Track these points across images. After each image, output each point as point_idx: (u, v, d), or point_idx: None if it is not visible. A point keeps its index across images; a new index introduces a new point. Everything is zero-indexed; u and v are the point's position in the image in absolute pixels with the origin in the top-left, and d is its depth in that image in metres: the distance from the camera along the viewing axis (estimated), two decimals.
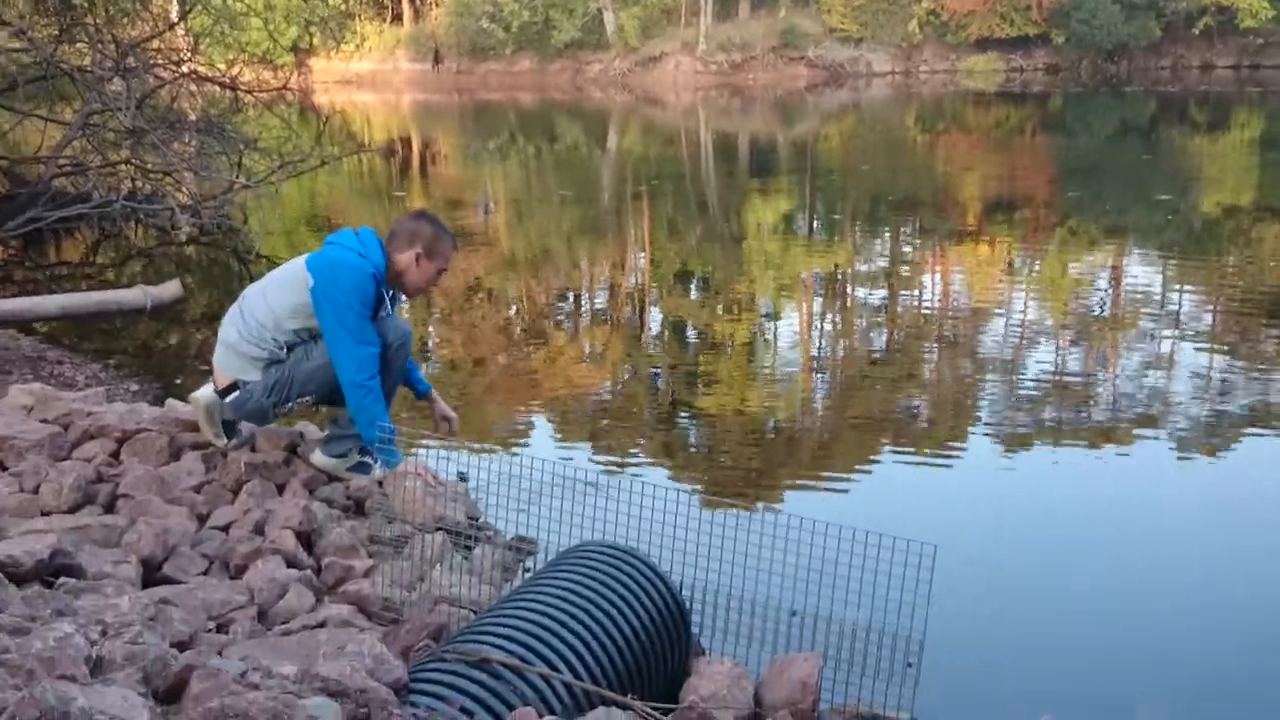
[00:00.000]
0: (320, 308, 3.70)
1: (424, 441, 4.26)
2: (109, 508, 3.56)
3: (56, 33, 9.33)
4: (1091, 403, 5.51)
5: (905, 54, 41.51)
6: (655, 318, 7.69)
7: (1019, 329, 7.00)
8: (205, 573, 3.23)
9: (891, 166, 16.79)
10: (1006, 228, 10.79)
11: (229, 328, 3.85)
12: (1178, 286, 8.09)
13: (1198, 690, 3.08)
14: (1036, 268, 8.96)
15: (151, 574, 3.13)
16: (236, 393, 3.84)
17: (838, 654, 2.83)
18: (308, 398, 3.86)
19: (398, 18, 47.74)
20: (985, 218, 11.45)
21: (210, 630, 2.76)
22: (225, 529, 3.50)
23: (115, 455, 3.92)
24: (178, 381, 5.66)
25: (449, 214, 12.84)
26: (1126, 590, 3.62)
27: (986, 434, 5.12)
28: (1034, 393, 5.68)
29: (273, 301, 3.78)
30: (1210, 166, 15.61)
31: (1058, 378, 5.95)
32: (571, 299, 8.31)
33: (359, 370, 3.71)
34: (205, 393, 3.92)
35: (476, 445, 4.90)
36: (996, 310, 7.48)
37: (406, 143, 22.93)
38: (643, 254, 10.07)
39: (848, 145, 20.49)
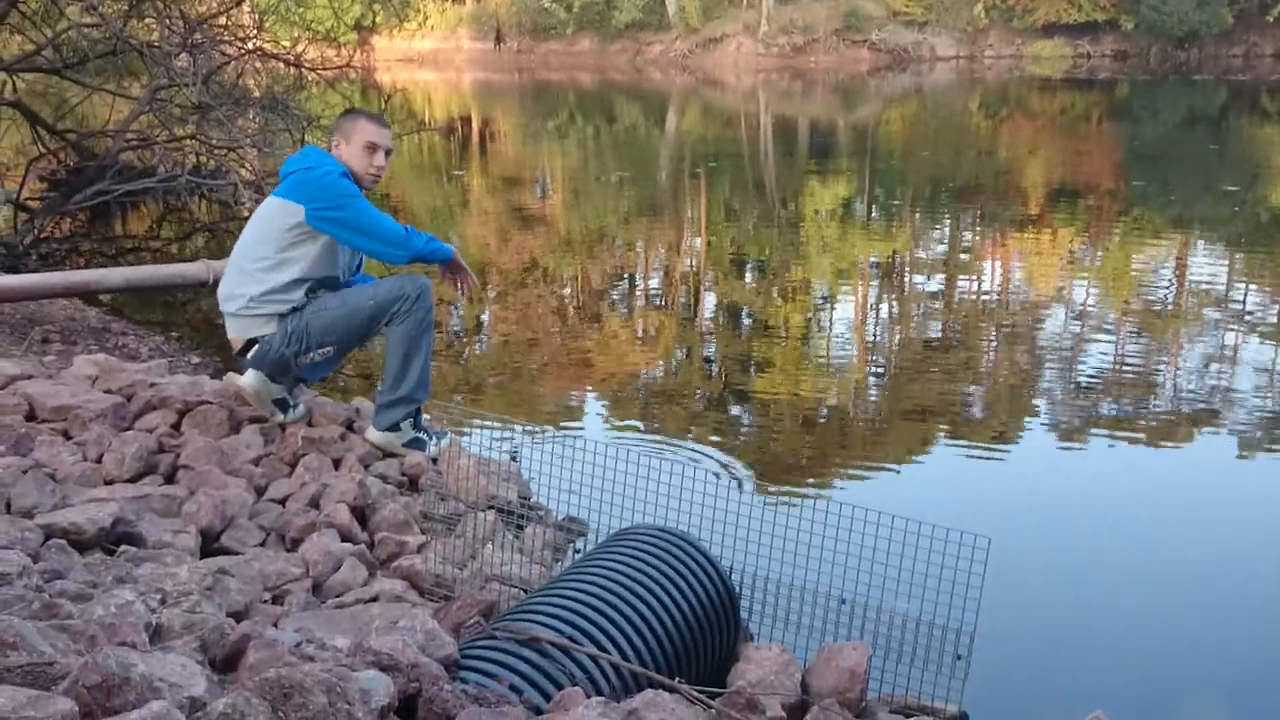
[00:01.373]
0: (328, 224, 3.76)
1: (476, 421, 4.30)
2: (169, 478, 3.63)
3: (126, 8, 9.46)
4: (1151, 396, 5.43)
5: (970, 38, 41.00)
6: (710, 301, 7.68)
7: (1078, 320, 6.91)
8: (262, 544, 3.28)
9: (953, 152, 16.60)
10: (1069, 216, 10.64)
11: (228, 301, 3.91)
12: (1243, 279, 7.94)
13: (1252, 689, 3.04)
14: (1098, 258, 8.83)
15: (210, 544, 3.19)
16: (255, 348, 3.89)
17: (887, 644, 2.82)
18: (329, 348, 3.89)
19: None
20: (1047, 206, 11.29)
21: (266, 601, 2.81)
22: (282, 502, 3.55)
23: (176, 426, 3.99)
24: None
25: (507, 193, 12.91)
26: (1182, 586, 3.57)
27: (1043, 425, 5.06)
28: (1092, 385, 5.61)
29: (261, 252, 3.83)
30: None
31: (1117, 370, 5.86)
32: (626, 280, 8.32)
33: (399, 241, 3.81)
34: (245, 378, 3.97)
35: (529, 426, 4.92)
36: (1056, 300, 7.38)
37: (466, 121, 23.03)
38: (698, 236, 10.05)
39: (909, 130, 20.28)
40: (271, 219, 3.83)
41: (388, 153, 3.98)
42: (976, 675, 2.67)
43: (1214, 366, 5.90)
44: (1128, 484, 4.45)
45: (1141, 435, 4.91)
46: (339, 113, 4.10)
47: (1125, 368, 5.92)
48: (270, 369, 3.90)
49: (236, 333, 3.93)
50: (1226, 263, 8.56)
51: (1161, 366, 5.95)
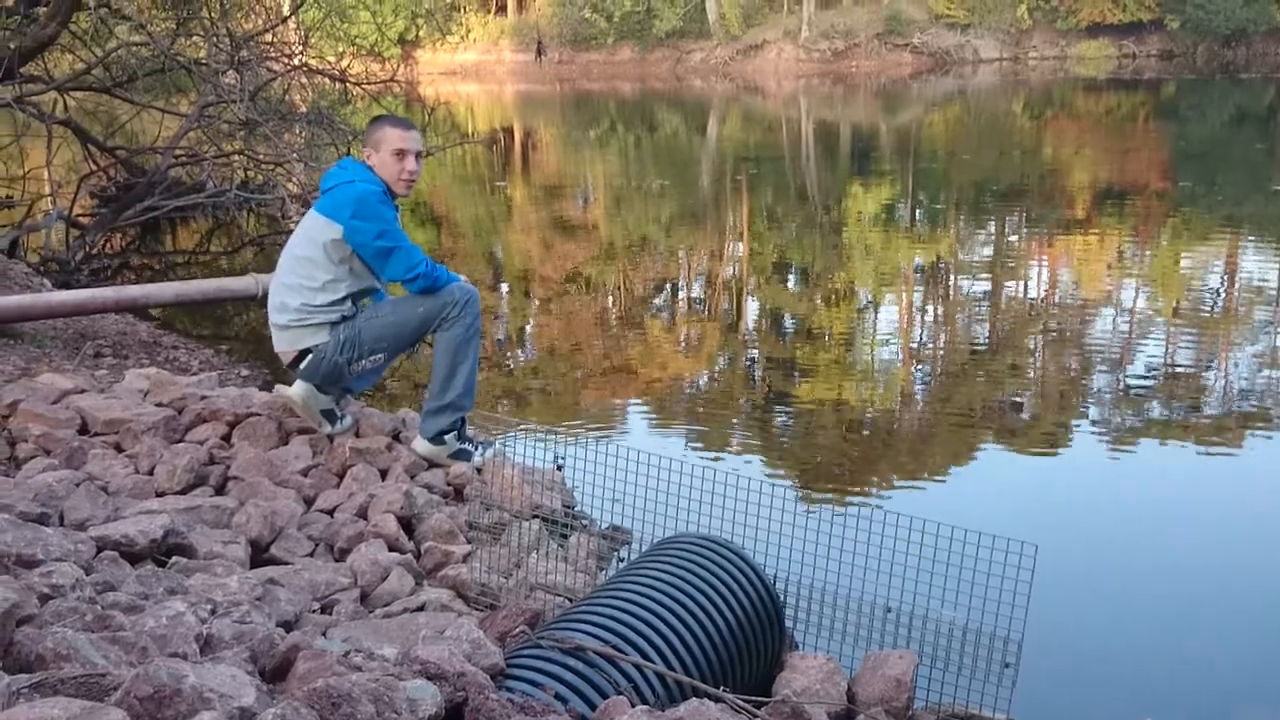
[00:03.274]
0: (360, 245, 3.81)
1: (521, 428, 4.32)
2: (220, 489, 3.68)
3: (174, 26, 9.62)
4: (1201, 401, 5.35)
5: (1014, 40, 40.67)
6: (752, 307, 7.67)
7: (1126, 323, 6.83)
8: (311, 554, 3.32)
9: (997, 155, 16.47)
10: (1115, 218, 10.51)
11: (278, 314, 3.95)
12: None
13: None
14: (1146, 259, 8.72)
15: (259, 554, 3.23)
16: (308, 358, 3.93)
17: (934, 652, 2.80)
18: (380, 355, 3.94)
19: (502, 8, 48.18)
20: (1093, 207, 11.16)
21: (315, 611, 2.84)
22: (330, 512, 3.59)
23: (226, 439, 4.04)
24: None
25: (549, 203, 12.95)
26: (1232, 594, 3.52)
27: (1091, 430, 5.00)
28: (1141, 389, 5.54)
29: (308, 270, 3.88)
30: None
31: (1166, 374, 5.79)
32: (669, 288, 8.32)
33: (415, 265, 3.85)
34: (294, 389, 4.01)
35: (573, 433, 4.94)
36: (1103, 303, 7.29)
37: (509, 133, 23.15)
38: (741, 243, 10.04)
39: (952, 133, 20.15)
40: (314, 234, 3.88)
41: (418, 155, 3.98)
42: (1024, 683, 2.64)
43: (1266, 370, 5.81)
44: (1177, 490, 4.40)
45: (1191, 440, 4.84)
46: (369, 123, 4.14)
47: (1175, 371, 5.84)
48: (323, 379, 3.94)
49: (287, 344, 3.98)
50: (1277, 263, 8.42)
51: (1211, 370, 5.87)
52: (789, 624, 2.93)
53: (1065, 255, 8.95)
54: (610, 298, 8.06)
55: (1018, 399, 5.46)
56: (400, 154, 3.92)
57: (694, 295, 8.12)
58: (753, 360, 6.31)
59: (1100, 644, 3.24)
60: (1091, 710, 2.92)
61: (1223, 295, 7.52)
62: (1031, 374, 5.89)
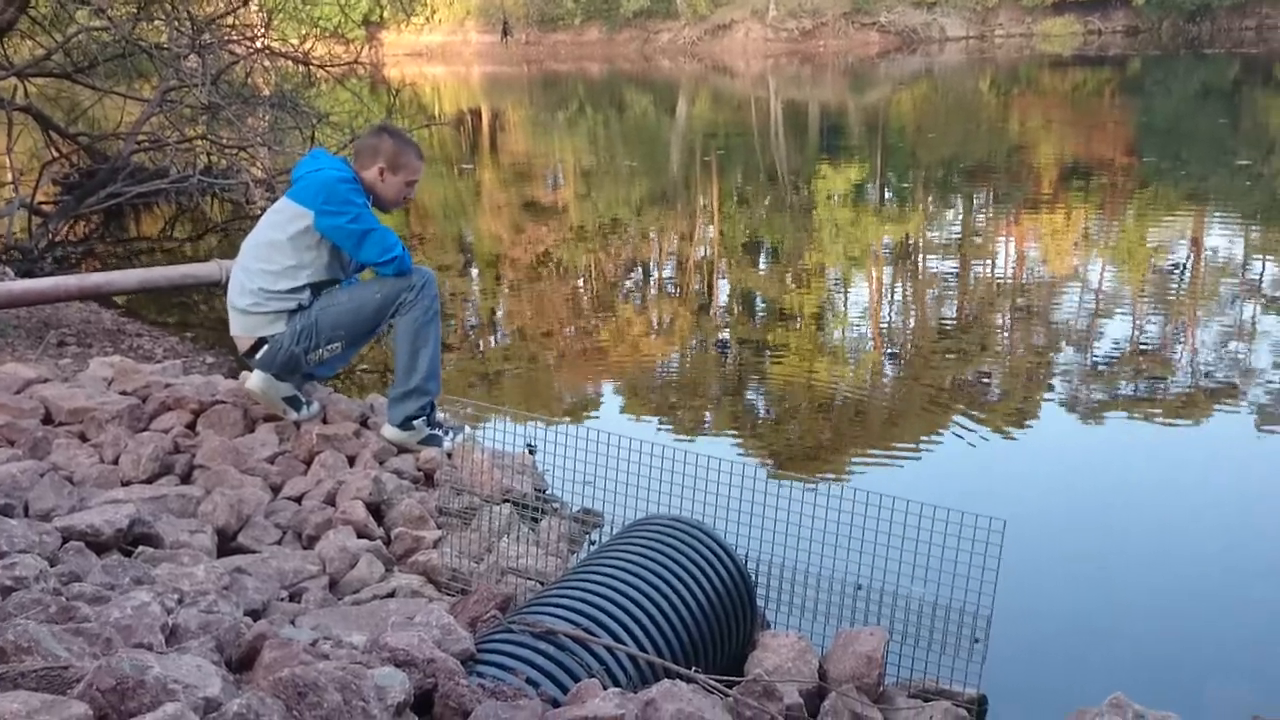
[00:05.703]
0: (332, 228, 3.80)
1: (491, 415, 4.30)
2: (186, 478, 3.64)
3: (135, 10, 9.48)
4: (1168, 375, 5.39)
5: (980, 18, 40.76)
6: (723, 288, 7.66)
7: (1093, 299, 6.87)
8: (279, 542, 3.29)
9: (964, 133, 16.52)
10: (1082, 194, 10.57)
11: (238, 296, 3.92)
12: (1259, 255, 7.88)
13: (1275, 668, 3.02)
14: (1113, 235, 8.77)
15: (226, 543, 3.20)
16: (265, 348, 3.91)
17: (904, 628, 2.82)
18: (338, 344, 3.92)
19: None
20: (1060, 184, 11.22)
21: (283, 599, 2.82)
22: (298, 499, 3.57)
23: (192, 427, 4.00)
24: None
25: (518, 185, 12.90)
26: (1200, 566, 3.55)
27: (1059, 406, 5.04)
28: (1109, 364, 5.58)
29: (271, 254, 3.86)
30: None
31: (1133, 349, 5.83)
32: (640, 270, 8.31)
33: (391, 248, 3.85)
34: (252, 379, 3.99)
35: (544, 418, 4.93)
36: (1071, 279, 7.34)
37: (476, 115, 23.03)
38: (710, 224, 10.03)
39: (920, 112, 20.19)
40: (282, 221, 3.85)
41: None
42: (994, 658, 2.66)
43: (1231, 343, 5.86)
44: (1145, 463, 4.43)
45: (1159, 414, 4.88)
46: (372, 129, 4.13)
47: (1141, 346, 5.88)
48: (280, 369, 3.92)
49: (243, 330, 3.95)
50: (1242, 237, 8.49)
51: (1178, 344, 5.92)
52: (761, 603, 2.94)
53: (1033, 232, 8.99)
54: (581, 280, 8.04)
55: (987, 375, 5.49)
56: (412, 184, 4.02)
57: (665, 277, 8.11)
58: (724, 341, 6.30)
59: (1070, 618, 3.27)
60: (1062, 683, 2.94)
61: (1189, 270, 7.57)
62: (1001, 350, 5.91)
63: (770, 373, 5.65)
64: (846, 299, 7.24)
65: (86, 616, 2.01)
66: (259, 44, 10.22)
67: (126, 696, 1.56)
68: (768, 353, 5.99)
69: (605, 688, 2.14)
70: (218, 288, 5.95)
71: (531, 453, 4.28)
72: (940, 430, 4.79)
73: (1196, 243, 8.40)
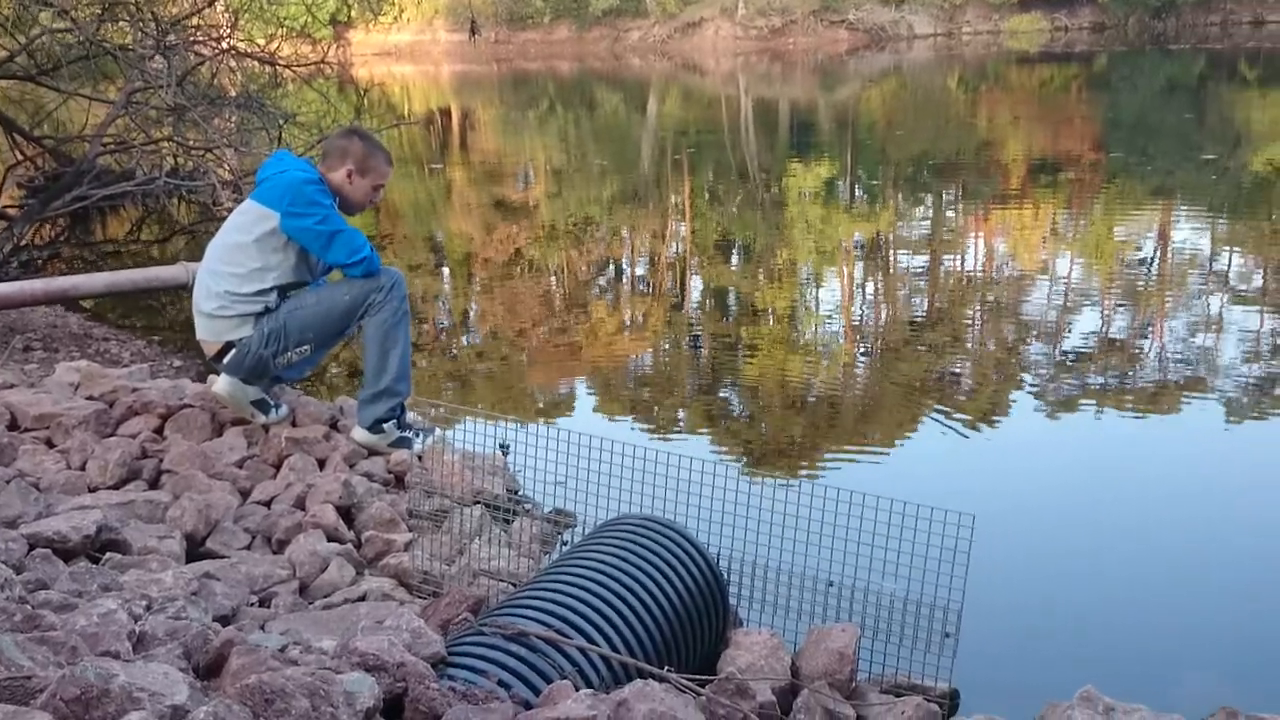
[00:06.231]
0: (299, 230, 3.78)
1: (463, 416, 4.29)
2: (153, 483, 3.61)
3: (99, 12, 9.37)
4: (1137, 367, 5.43)
5: (947, 15, 40.97)
6: (695, 286, 7.67)
7: (1062, 293, 6.91)
8: (248, 547, 3.27)
9: (933, 130, 16.59)
10: (1050, 189, 10.64)
11: (204, 300, 3.89)
12: (1225, 247, 7.95)
13: (1244, 658, 3.04)
14: (1081, 230, 8.83)
15: (195, 549, 3.17)
16: (232, 352, 3.88)
17: (875, 624, 2.82)
18: (306, 347, 3.89)
19: None
20: (1028, 180, 11.29)
21: (253, 604, 2.80)
22: (267, 504, 3.54)
23: (159, 431, 3.97)
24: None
25: (488, 184, 12.86)
26: (1171, 557, 3.58)
27: (1029, 400, 5.06)
28: (1077, 358, 5.61)
29: (237, 257, 3.83)
30: (1259, 124, 15.29)
31: (1102, 342, 5.87)
32: (611, 268, 8.30)
33: (359, 249, 3.84)
34: (219, 383, 3.95)
35: (516, 418, 4.91)
36: (1040, 274, 7.38)
37: (445, 114, 22.94)
38: (682, 222, 10.02)
39: (889, 109, 20.27)
40: (247, 223, 3.82)
41: None
42: (966, 652, 2.67)
43: (1198, 335, 5.91)
44: (1114, 456, 4.46)
45: (1127, 407, 4.92)
46: (342, 131, 4.11)
47: (1110, 339, 5.93)
48: (248, 373, 3.88)
49: (209, 334, 3.91)
50: (1208, 231, 8.56)
51: (1146, 337, 5.96)
52: (733, 601, 2.94)
53: (1002, 227, 9.04)
54: (553, 279, 8.02)
55: (957, 370, 5.51)
56: (379, 188, 4.01)
57: (637, 275, 8.10)
58: (697, 339, 6.31)
59: (1040, 611, 3.29)
60: (1033, 676, 2.96)
61: (1156, 263, 7.63)
62: (971, 345, 5.94)
63: (742, 370, 5.66)
64: (818, 295, 7.26)
65: (52, 625, 1.98)
66: (225, 44, 10.12)
67: (91, 706, 1.54)
68: (740, 350, 5.99)
69: (578, 689, 2.13)
70: (184, 290, 5.90)
71: (505, 452, 4.26)
72: (912, 425, 4.81)
73: (1164, 236, 8.47)
